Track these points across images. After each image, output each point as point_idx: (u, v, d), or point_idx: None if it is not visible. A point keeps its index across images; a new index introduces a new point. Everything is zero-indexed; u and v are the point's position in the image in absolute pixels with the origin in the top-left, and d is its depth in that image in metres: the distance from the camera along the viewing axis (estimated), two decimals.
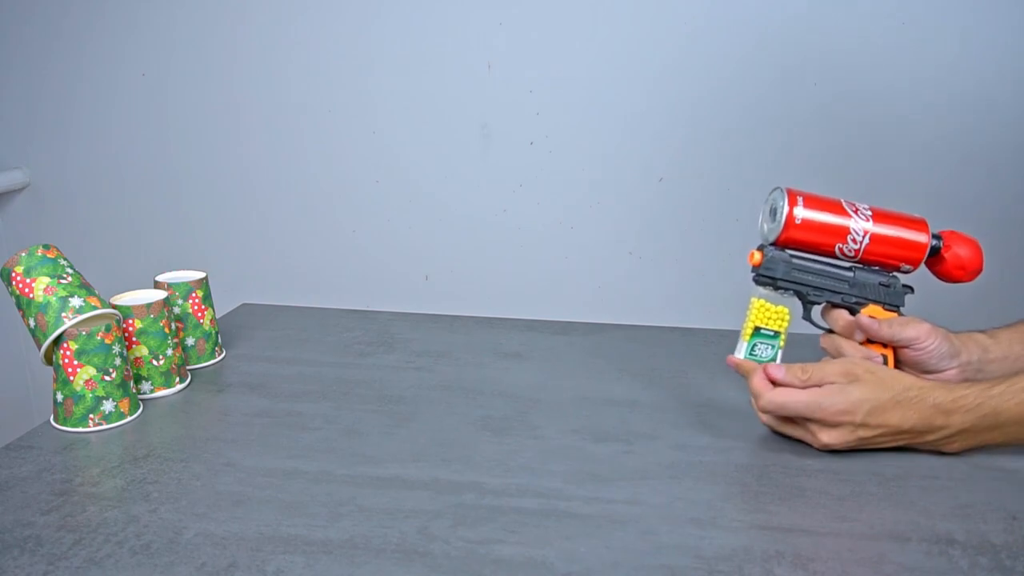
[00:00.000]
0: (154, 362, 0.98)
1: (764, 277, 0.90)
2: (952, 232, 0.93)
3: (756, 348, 0.91)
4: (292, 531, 0.72)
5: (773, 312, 0.91)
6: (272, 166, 1.80)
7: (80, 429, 0.90)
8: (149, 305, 0.98)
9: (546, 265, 1.73)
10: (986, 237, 0.96)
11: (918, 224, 0.91)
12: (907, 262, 0.91)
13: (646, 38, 1.59)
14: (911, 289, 0.93)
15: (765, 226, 0.92)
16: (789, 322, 0.92)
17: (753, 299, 0.92)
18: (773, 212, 0.91)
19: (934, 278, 0.94)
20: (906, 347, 0.89)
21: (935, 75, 1.52)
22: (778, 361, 0.92)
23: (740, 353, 0.92)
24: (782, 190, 0.90)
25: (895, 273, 0.92)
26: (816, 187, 0.93)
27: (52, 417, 0.93)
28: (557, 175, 1.68)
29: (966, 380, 0.90)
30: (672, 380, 1.03)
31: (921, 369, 0.90)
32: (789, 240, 0.90)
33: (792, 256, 0.91)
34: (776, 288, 0.91)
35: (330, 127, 1.75)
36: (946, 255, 0.91)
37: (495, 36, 1.64)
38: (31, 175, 1.92)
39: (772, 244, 0.91)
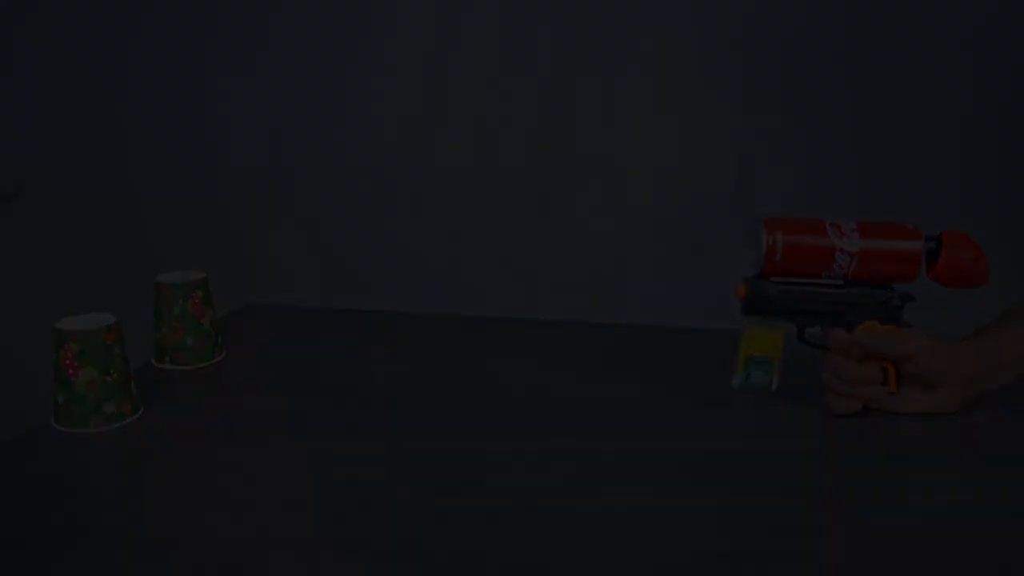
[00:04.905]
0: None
1: (752, 309, 0.89)
2: (955, 233, 0.87)
3: (751, 376, 0.91)
4: (292, 531, 0.72)
5: (765, 339, 0.90)
6: (272, 166, 1.80)
7: (81, 430, 0.90)
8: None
9: (546, 265, 1.73)
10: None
11: (909, 233, 0.87)
12: (902, 276, 0.87)
13: (646, 38, 1.59)
14: (912, 298, 0.89)
15: (750, 255, 0.90)
16: (783, 346, 0.90)
17: (744, 332, 0.90)
18: (755, 243, 0.88)
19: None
20: (904, 362, 0.87)
21: (937, 74, 1.52)
22: (774, 383, 0.91)
23: (735, 382, 0.91)
24: (760, 220, 0.87)
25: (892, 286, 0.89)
26: (819, 184, 0.91)
27: (53, 418, 0.92)
28: (557, 175, 1.69)
29: (970, 394, 0.88)
30: (672, 380, 1.03)
31: (921, 383, 0.88)
32: (774, 272, 0.88)
33: (779, 285, 0.89)
34: (766, 318, 0.89)
35: (330, 127, 1.75)
36: (939, 261, 0.86)
37: (495, 36, 1.64)
38: (31, 175, 1.92)
39: (757, 276, 0.89)
